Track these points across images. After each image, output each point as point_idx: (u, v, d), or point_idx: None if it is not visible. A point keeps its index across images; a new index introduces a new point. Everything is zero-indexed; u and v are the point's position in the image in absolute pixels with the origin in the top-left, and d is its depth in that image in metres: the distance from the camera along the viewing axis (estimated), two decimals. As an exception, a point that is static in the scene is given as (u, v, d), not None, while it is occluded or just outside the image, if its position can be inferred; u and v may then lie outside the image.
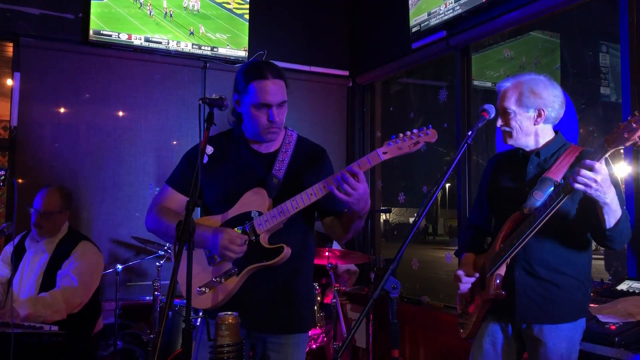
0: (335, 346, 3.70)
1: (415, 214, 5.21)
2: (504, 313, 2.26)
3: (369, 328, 3.67)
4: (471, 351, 2.37)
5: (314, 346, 3.71)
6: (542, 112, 2.26)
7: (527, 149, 2.30)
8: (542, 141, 2.28)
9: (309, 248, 2.31)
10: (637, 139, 1.81)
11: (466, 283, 2.30)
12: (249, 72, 2.14)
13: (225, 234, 2.08)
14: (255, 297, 2.16)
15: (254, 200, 2.14)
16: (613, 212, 1.98)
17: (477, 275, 2.29)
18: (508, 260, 2.19)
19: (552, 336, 2.15)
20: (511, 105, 2.25)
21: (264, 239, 2.12)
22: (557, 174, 2.17)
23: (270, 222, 2.10)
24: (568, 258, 2.20)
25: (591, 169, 1.88)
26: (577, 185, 1.90)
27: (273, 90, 2.10)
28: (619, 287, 2.64)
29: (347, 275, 4.46)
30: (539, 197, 2.14)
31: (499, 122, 2.30)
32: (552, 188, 2.13)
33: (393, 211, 5.25)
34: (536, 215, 2.08)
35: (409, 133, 2.00)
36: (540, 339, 2.16)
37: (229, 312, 1.89)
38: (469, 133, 2.11)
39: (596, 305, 2.50)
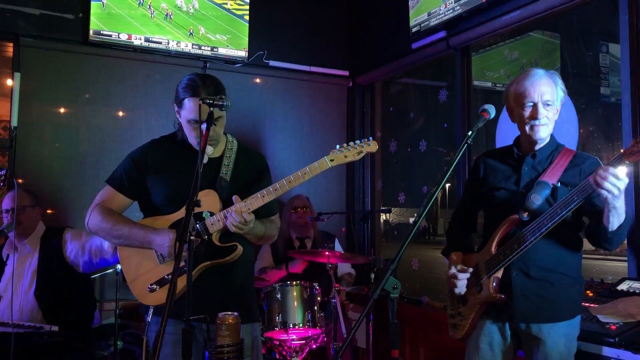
0: (335, 346, 3.70)
1: (415, 214, 5.21)
2: (501, 313, 2.25)
3: (369, 328, 3.66)
4: (467, 352, 2.35)
5: (314, 346, 3.70)
6: (559, 109, 2.25)
7: (541, 144, 2.24)
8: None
9: (253, 245, 2.47)
10: None
11: (462, 279, 2.28)
12: (184, 87, 2.28)
13: (174, 235, 2.15)
14: (206, 291, 2.21)
15: (205, 202, 2.22)
16: (619, 215, 1.98)
17: (471, 269, 2.27)
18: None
19: (551, 334, 2.15)
20: (553, 95, 2.19)
21: (216, 238, 2.22)
22: (552, 177, 2.15)
23: (222, 221, 2.19)
24: (563, 258, 2.20)
25: (616, 176, 1.87)
26: (602, 191, 1.89)
27: (204, 107, 2.14)
28: (619, 287, 2.63)
29: (349, 278, 4.47)
30: (537, 201, 2.13)
31: (540, 113, 2.16)
32: (550, 192, 2.13)
33: (393, 211, 5.25)
34: (543, 221, 2.05)
35: (352, 143, 2.23)
36: (539, 338, 2.17)
37: (229, 312, 1.90)
38: (469, 133, 2.11)
39: (596, 305, 2.50)
